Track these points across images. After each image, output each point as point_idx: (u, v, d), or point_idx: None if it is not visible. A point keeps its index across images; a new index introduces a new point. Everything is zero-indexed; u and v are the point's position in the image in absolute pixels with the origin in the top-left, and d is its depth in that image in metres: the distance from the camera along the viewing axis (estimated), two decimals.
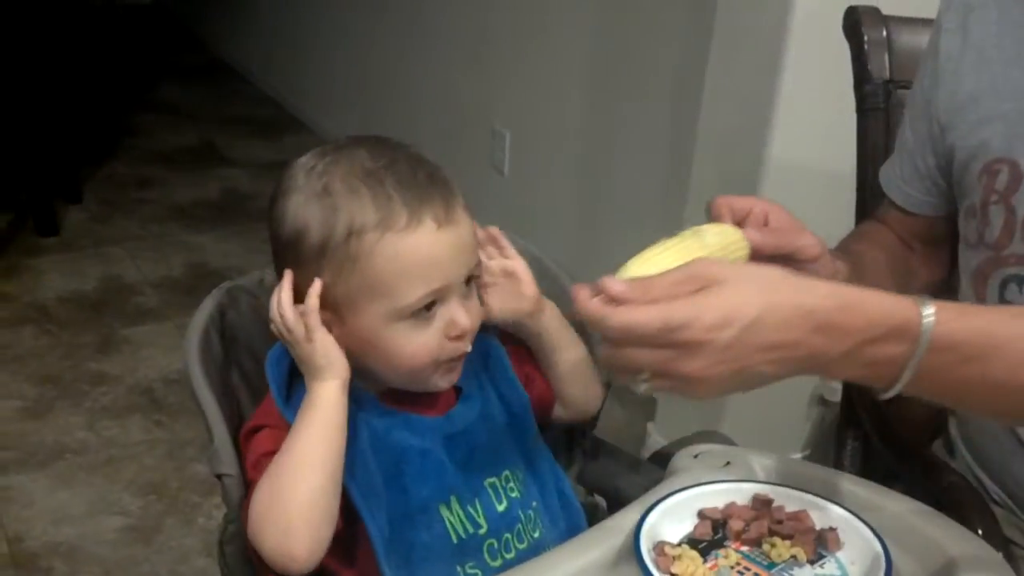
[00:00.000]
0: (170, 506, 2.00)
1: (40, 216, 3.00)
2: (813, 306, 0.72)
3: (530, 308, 0.97)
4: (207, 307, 0.96)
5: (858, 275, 0.99)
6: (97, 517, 1.96)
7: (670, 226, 2.16)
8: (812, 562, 0.83)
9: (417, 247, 0.84)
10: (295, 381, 0.89)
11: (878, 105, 1.28)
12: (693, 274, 0.72)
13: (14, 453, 2.11)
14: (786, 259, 0.89)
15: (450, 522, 0.89)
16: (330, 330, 0.86)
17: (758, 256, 0.87)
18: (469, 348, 0.89)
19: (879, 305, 0.74)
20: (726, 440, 1.02)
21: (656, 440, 2.09)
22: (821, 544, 0.85)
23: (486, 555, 0.90)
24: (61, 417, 2.23)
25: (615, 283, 0.72)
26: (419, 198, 0.84)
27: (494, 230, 0.97)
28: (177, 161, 3.61)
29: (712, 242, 0.83)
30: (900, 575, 0.81)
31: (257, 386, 0.98)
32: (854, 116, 1.31)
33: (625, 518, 0.87)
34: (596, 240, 2.46)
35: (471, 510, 0.90)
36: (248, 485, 0.87)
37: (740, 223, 0.90)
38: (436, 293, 0.85)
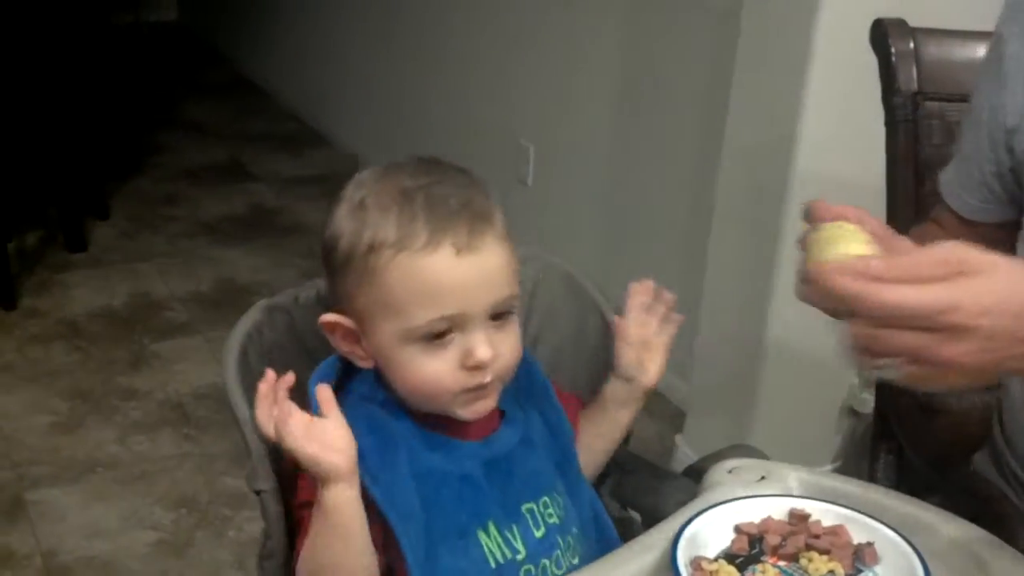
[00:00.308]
0: (201, 520, 2.01)
1: (69, 232, 3.04)
2: None
3: (644, 385, 1.00)
4: (244, 324, 0.96)
5: None
6: (129, 531, 1.98)
7: (696, 239, 2.17)
8: None
9: (430, 270, 0.83)
10: (350, 399, 0.89)
11: (906, 117, 1.28)
12: (945, 258, 0.70)
13: (47, 468, 2.13)
14: None
15: (488, 547, 0.88)
16: (358, 338, 0.88)
17: None
18: (488, 379, 0.87)
19: None
20: (760, 454, 1.02)
21: (685, 453, 2.09)
22: (859, 559, 0.85)
23: None
24: (93, 432, 2.26)
25: (876, 261, 0.71)
26: (443, 222, 0.84)
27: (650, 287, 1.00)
28: (203, 177, 3.64)
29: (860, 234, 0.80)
30: None
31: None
32: (880, 128, 1.31)
33: (661, 533, 0.87)
34: (621, 253, 2.47)
35: (509, 535, 0.90)
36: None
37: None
38: (449, 320, 0.84)
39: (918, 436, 1.18)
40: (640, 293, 1.01)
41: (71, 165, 3.04)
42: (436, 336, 0.84)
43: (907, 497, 0.92)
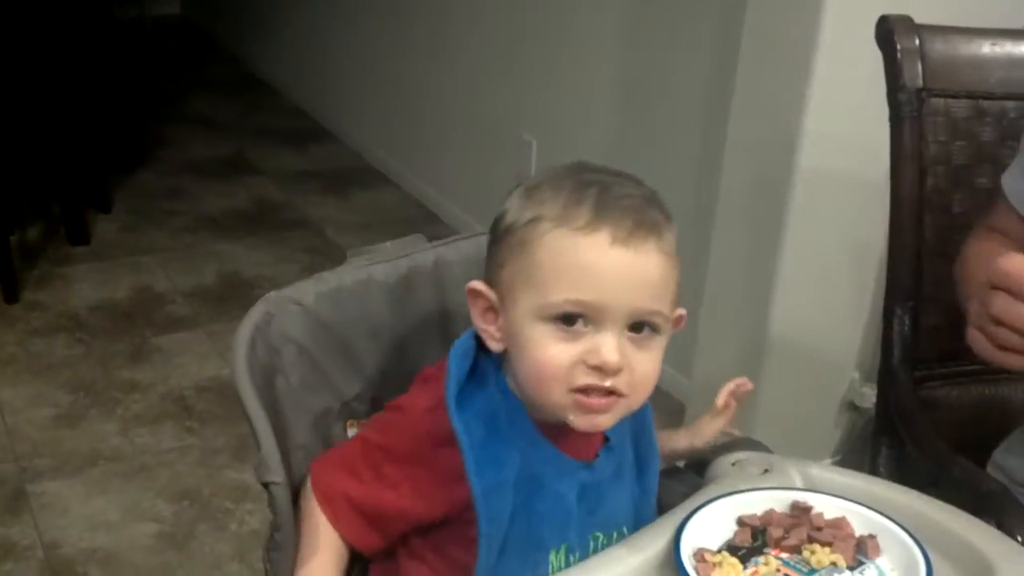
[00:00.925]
0: (203, 512, 2.01)
1: (72, 226, 3.04)
2: None
3: (700, 443, 1.03)
4: (253, 317, 0.96)
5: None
6: (131, 524, 1.98)
7: (699, 234, 2.17)
8: (852, 568, 0.84)
9: (580, 250, 0.81)
10: (470, 384, 0.88)
11: (912, 113, 1.28)
12: None
13: (49, 460, 2.14)
14: None
15: (553, 566, 0.88)
16: (496, 317, 0.87)
17: None
18: (607, 384, 0.82)
19: None
20: (763, 447, 1.02)
21: None
22: (861, 551, 0.85)
23: None
24: (95, 425, 2.26)
25: None
26: (609, 212, 0.82)
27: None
28: (207, 171, 3.65)
29: None
30: None
31: (300, 400, 0.98)
32: (884, 124, 1.31)
33: (664, 525, 0.87)
34: None
35: (572, 559, 0.89)
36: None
37: None
38: (583, 306, 0.81)
39: (920, 429, 1.18)
40: (739, 383, 1.08)
41: (74, 159, 3.04)
42: (568, 320, 0.82)
43: (909, 490, 0.93)
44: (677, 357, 2.32)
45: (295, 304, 0.99)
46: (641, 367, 0.84)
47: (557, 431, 0.88)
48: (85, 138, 3.10)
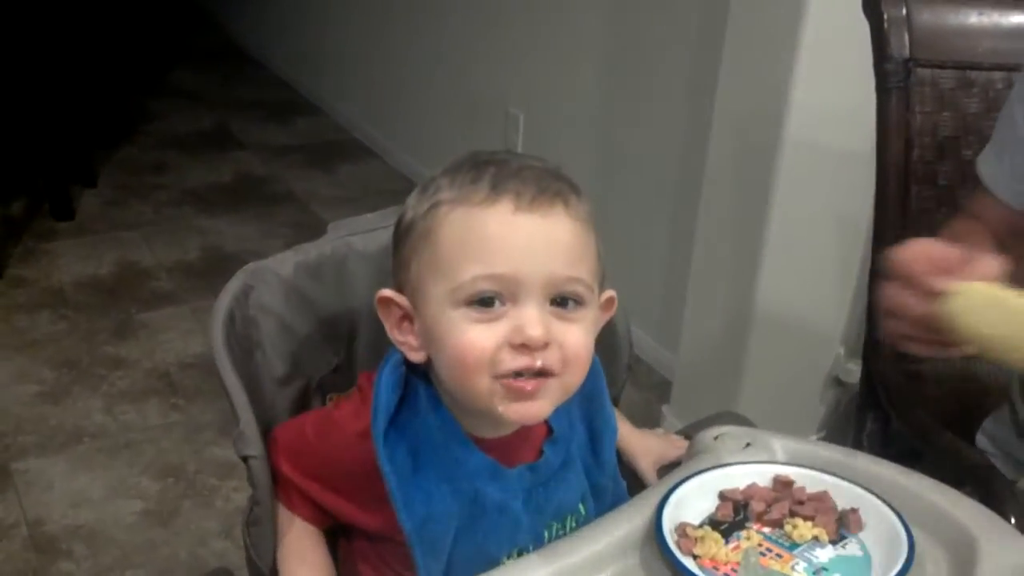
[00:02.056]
0: (188, 489, 2.01)
1: (56, 201, 3.01)
2: None
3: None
4: (231, 289, 0.95)
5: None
6: (116, 500, 1.97)
7: (686, 208, 2.15)
8: (834, 543, 0.83)
9: (483, 223, 0.77)
10: (402, 411, 0.84)
11: (898, 84, 1.27)
12: None
13: (33, 437, 2.13)
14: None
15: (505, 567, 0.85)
16: (411, 325, 0.82)
17: None
18: (537, 364, 0.77)
19: None
20: (746, 421, 1.01)
21: (671, 423, 2.09)
22: (843, 525, 0.85)
23: None
24: (79, 401, 2.25)
25: None
26: (508, 182, 0.77)
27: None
28: (191, 145, 3.62)
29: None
30: (922, 555, 0.81)
31: (279, 373, 0.98)
32: (870, 94, 1.30)
33: (646, 500, 0.87)
34: (609, 221, 2.46)
35: (527, 552, 0.86)
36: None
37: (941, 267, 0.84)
38: (496, 281, 0.76)
39: (905, 404, 1.18)
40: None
41: (58, 133, 3.01)
42: (484, 302, 0.76)
43: (892, 464, 0.92)
44: (663, 332, 2.32)
45: (273, 275, 0.98)
46: (571, 340, 0.78)
47: (496, 442, 0.85)
48: (69, 112, 3.07)
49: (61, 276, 2.74)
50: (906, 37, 1.26)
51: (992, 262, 0.83)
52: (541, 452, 0.88)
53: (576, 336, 0.79)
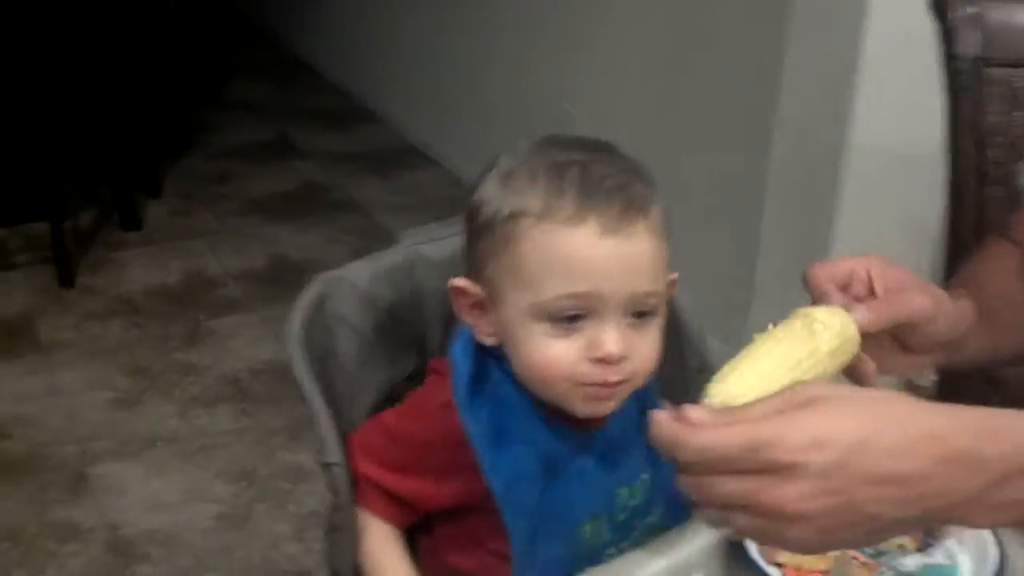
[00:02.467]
0: (260, 493, 2.04)
1: (123, 211, 3.08)
2: (941, 431, 0.59)
3: None
4: (307, 298, 0.97)
5: (987, 308, 0.90)
6: (190, 504, 2.01)
7: (748, 214, 2.13)
8: (920, 550, 0.83)
9: (568, 244, 0.79)
10: (476, 379, 0.86)
11: (967, 84, 1.25)
12: (791, 399, 0.61)
13: (108, 443, 2.18)
14: (903, 328, 0.82)
15: (587, 534, 0.88)
16: (484, 312, 0.85)
17: (872, 336, 0.79)
18: (614, 379, 0.81)
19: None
20: None
21: None
22: (929, 532, 0.84)
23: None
24: (152, 407, 2.30)
25: (695, 410, 0.61)
26: (594, 200, 0.79)
27: None
28: (252, 155, 3.67)
29: (822, 331, 0.75)
30: (1013, 563, 0.80)
31: (355, 381, 0.99)
32: (936, 96, 1.28)
33: None
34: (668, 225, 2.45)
35: (604, 526, 0.89)
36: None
37: (844, 289, 0.82)
38: (581, 301, 0.79)
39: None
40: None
41: (123, 144, 3.08)
42: (565, 318, 0.79)
43: None
44: (729, 336, 2.30)
45: (348, 284, 0.99)
46: (644, 352, 0.82)
47: (563, 417, 0.87)
48: (133, 124, 3.13)
49: (130, 285, 2.80)
50: (976, 36, 1.24)
51: (916, 301, 0.81)
52: (606, 419, 0.90)
53: (649, 347, 0.83)
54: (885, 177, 1.76)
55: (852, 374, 0.80)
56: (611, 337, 0.79)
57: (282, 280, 2.81)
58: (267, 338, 2.53)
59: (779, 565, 0.81)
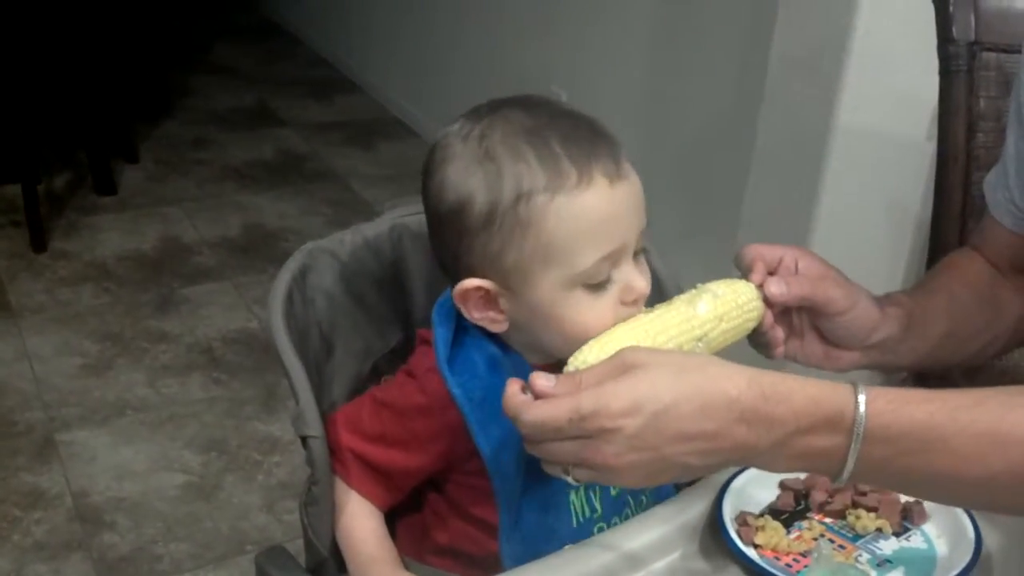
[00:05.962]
0: (230, 463, 2.02)
1: (99, 175, 3.03)
2: (736, 395, 0.68)
3: None
4: (290, 269, 0.94)
5: (921, 320, 0.93)
6: (159, 473, 1.99)
7: (733, 192, 2.13)
8: (898, 535, 0.82)
9: (591, 207, 0.78)
10: (463, 340, 0.86)
11: (961, 67, 1.24)
12: (619, 363, 0.71)
13: (77, 410, 2.15)
14: (814, 312, 0.88)
15: (575, 507, 0.87)
16: (497, 304, 0.82)
17: (784, 309, 0.87)
18: (640, 312, 0.82)
19: (808, 394, 0.70)
20: None
21: None
22: (907, 516, 0.84)
23: None
24: (122, 374, 2.27)
25: (540, 378, 0.71)
26: (587, 154, 0.78)
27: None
28: (232, 122, 3.63)
29: (710, 301, 0.81)
30: (989, 547, 0.79)
31: (336, 353, 0.98)
32: (927, 79, 1.27)
33: (706, 488, 0.86)
34: (655, 202, 2.43)
35: (591, 494, 0.88)
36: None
37: (772, 272, 0.87)
38: (612, 256, 0.79)
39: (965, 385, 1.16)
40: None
41: (100, 108, 3.03)
42: (598, 283, 0.80)
43: None
44: None
45: (331, 255, 0.98)
46: (647, 276, 0.84)
47: (556, 370, 0.85)
48: (111, 87, 3.09)
49: (104, 250, 2.76)
50: (972, 19, 1.23)
51: (831, 291, 0.87)
52: None
53: (646, 269, 0.84)
54: (869, 160, 1.75)
55: (761, 340, 0.87)
56: (637, 276, 0.81)
57: (258, 249, 2.77)
58: (240, 307, 2.50)
59: (756, 546, 0.80)
